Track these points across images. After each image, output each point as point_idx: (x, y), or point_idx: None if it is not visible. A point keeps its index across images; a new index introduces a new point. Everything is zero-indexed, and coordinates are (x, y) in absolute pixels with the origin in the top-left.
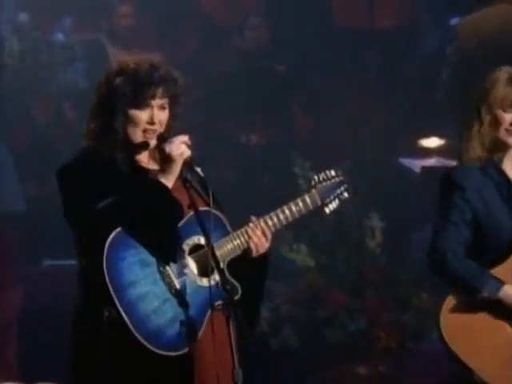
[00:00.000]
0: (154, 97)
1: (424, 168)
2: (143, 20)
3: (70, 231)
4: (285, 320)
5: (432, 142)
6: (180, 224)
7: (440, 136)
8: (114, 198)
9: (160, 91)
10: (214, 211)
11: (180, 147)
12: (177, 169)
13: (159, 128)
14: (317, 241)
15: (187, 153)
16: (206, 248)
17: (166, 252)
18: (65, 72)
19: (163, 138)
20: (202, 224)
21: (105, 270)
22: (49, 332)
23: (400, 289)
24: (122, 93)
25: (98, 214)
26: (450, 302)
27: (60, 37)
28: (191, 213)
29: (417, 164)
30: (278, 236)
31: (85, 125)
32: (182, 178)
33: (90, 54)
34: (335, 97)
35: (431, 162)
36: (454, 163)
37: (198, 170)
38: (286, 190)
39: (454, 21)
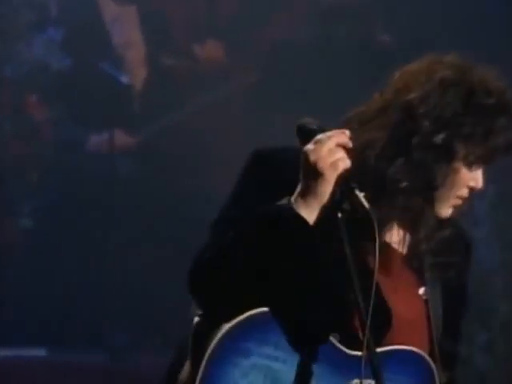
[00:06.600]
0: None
1: None
2: None
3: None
4: None
5: None
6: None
7: None
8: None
9: None
10: (418, 352)
11: (334, 152)
12: (325, 190)
13: None
14: None
15: (345, 163)
16: None
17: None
18: (30, 44)
19: (308, 132)
20: (376, 367)
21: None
22: None
23: None
24: (471, 134)
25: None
26: None
27: None
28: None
29: None
30: None
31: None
32: (331, 205)
33: (71, 14)
34: None
35: None
36: None
37: (361, 195)
38: None
39: None
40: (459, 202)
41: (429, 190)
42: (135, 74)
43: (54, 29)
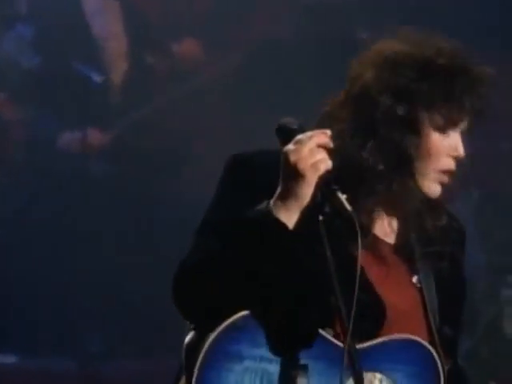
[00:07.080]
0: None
1: None
2: None
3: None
4: None
5: None
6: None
7: None
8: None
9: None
10: (417, 339)
11: (315, 153)
12: (306, 192)
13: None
14: None
15: (326, 164)
16: None
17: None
18: None
19: (288, 131)
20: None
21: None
22: None
23: None
24: (430, 98)
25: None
26: None
27: None
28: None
29: None
30: None
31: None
32: (312, 208)
33: (41, 10)
34: None
35: None
36: None
37: (343, 197)
38: None
39: None
40: (445, 177)
41: (405, 166)
42: (114, 67)
43: (24, 26)
